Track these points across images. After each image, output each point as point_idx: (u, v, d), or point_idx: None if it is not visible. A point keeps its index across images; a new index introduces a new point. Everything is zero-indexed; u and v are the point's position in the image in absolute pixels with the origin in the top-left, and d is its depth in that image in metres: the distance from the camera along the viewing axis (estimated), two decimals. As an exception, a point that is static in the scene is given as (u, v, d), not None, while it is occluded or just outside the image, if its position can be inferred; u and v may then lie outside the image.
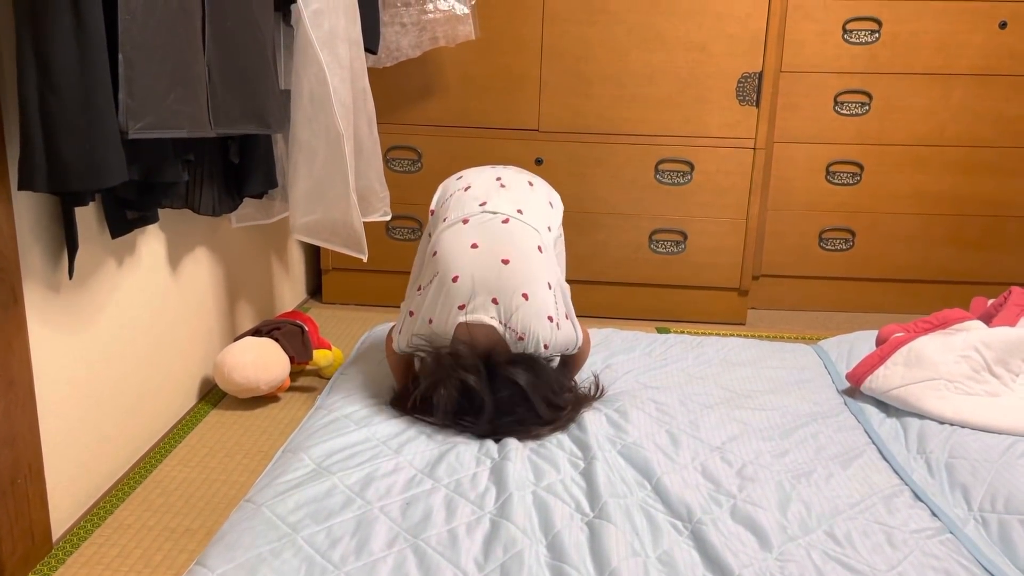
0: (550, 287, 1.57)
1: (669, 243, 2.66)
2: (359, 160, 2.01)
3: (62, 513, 1.45)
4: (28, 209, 1.30)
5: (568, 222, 2.66)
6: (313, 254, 2.85)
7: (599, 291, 2.72)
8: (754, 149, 2.56)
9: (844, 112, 2.69)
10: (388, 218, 2.16)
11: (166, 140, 1.44)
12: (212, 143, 1.75)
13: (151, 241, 1.73)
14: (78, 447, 1.49)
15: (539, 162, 2.61)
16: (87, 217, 1.48)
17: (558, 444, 1.54)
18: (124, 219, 1.52)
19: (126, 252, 1.62)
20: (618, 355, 2.04)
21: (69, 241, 1.36)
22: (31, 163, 1.16)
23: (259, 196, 1.98)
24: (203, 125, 1.43)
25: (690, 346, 2.12)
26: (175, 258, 1.84)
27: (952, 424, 1.64)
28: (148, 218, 1.57)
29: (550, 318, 1.55)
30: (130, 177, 1.40)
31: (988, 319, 1.89)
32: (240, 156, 1.85)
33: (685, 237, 2.65)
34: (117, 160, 1.23)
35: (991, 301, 1.97)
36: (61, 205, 1.35)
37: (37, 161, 1.15)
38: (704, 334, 2.28)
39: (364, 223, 2.02)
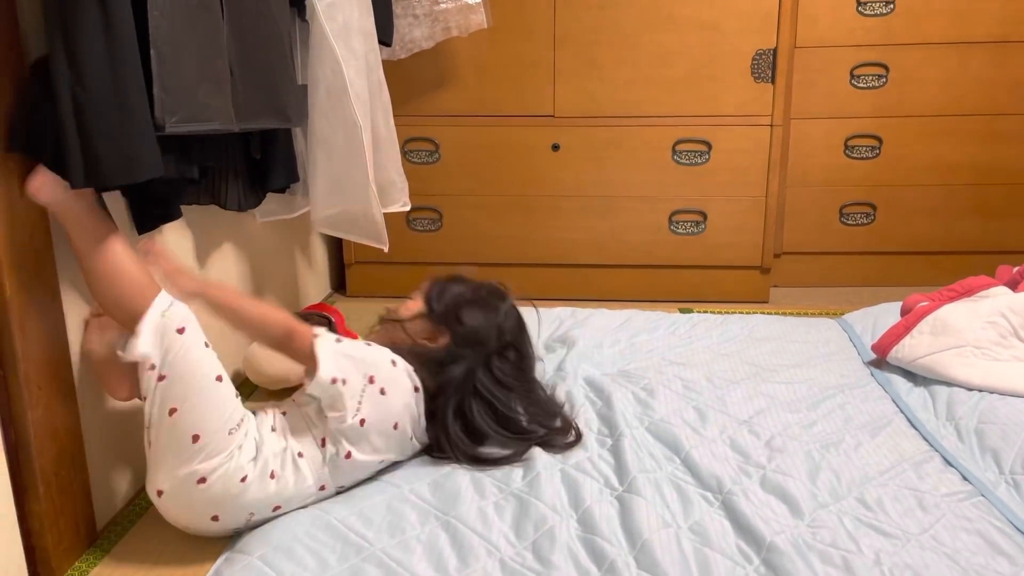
0: None
1: (689, 224, 2.66)
2: (377, 152, 2.03)
3: (105, 505, 1.48)
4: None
5: (587, 207, 2.67)
6: (336, 248, 2.87)
7: (620, 274, 2.73)
8: (771, 126, 2.56)
9: (861, 85, 2.67)
10: (407, 209, 2.18)
11: (191, 137, 1.46)
12: (234, 138, 1.77)
13: (178, 237, 1.76)
14: (117, 439, 1.53)
15: (555, 148, 2.62)
16: (115, 214, 1.50)
17: (585, 423, 1.56)
18: (150, 214, 1.55)
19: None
20: (641, 334, 2.05)
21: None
22: (68, 159, 1.18)
23: (282, 191, 2.01)
24: (229, 119, 1.45)
25: (714, 324, 2.13)
26: (202, 254, 1.87)
27: (980, 390, 1.64)
28: (172, 214, 1.60)
29: None
30: (165, 173, 1.43)
31: (1014, 285, 1.88)
32: (261, 151, 1.88)
33: (705, 217, 2.65)
34: (151, 155, 1.25)
35: (1016, 268, 1.96)
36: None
37: (73, 159, 1.18)
38: (727, 313, 2.28)
39: (384, 214, 2.04)
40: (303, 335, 1.37)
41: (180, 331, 1.27)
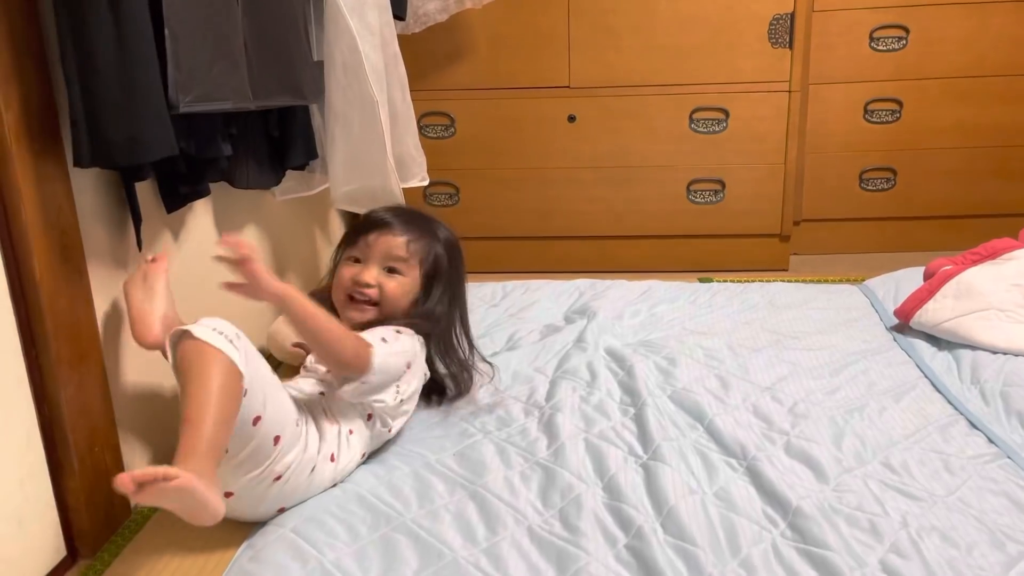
0: None
1: (707, 193, 2.65)
2: (394, 126, 2.03)
3: (136, 481, 1.51)
4: (87, 187, 1.35)
5: (604, 178, 2.66)
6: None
7: (639, 245, 2.72)
8: (789, 92, 2.53)
9: (880, 48, 2.63)
10: (426, 183, 2.18)
11: (214, 114, 1.47)
12: (253, 117, 1.78)
13: (200, 217, 1.77)
14: (148, 417, 1.55)
15: (572, 119, 2.60)
16: (143, 193, 1.52)
17: (608, 393, 1.56)
18: (178, 194, 1.56)
19: (180, 227, 1.67)
20: (661, 304, 2.05)
21: (134, 214, 1.41)
22: (78, 140, 1.20)
23: (300, 168, 2.01)
24: (245, 97, 1.46)
25: (734, 293, 2.12)
26: (224, 232, 1.88)
27: (1005, 353, 1.63)
28: (200, 192, 1.61)
29: None
30: (186, 151, 1.44)
31: (1039, 247, 1.86)
32: (279, 129, 1.89)
33: (723, 186, 2.63)
34: (163, 134, 1.26)
35: (1041, 230, 1.94)
36: (122, 180, 1.39)
37: (83, 138, 1.20)
38: (747, 282, 2.27)
39: (403, 190, 2.04)
40: (365, 357, 1.30)
41: (239, 337, 1.20)
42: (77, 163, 1.22)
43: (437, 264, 1.55)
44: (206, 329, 1.15)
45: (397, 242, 1.51)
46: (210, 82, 1.35)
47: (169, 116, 1.27)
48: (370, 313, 1.49)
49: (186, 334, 1.14)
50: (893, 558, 1.04)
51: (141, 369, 1.54)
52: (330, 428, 1.33)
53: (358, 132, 1.91)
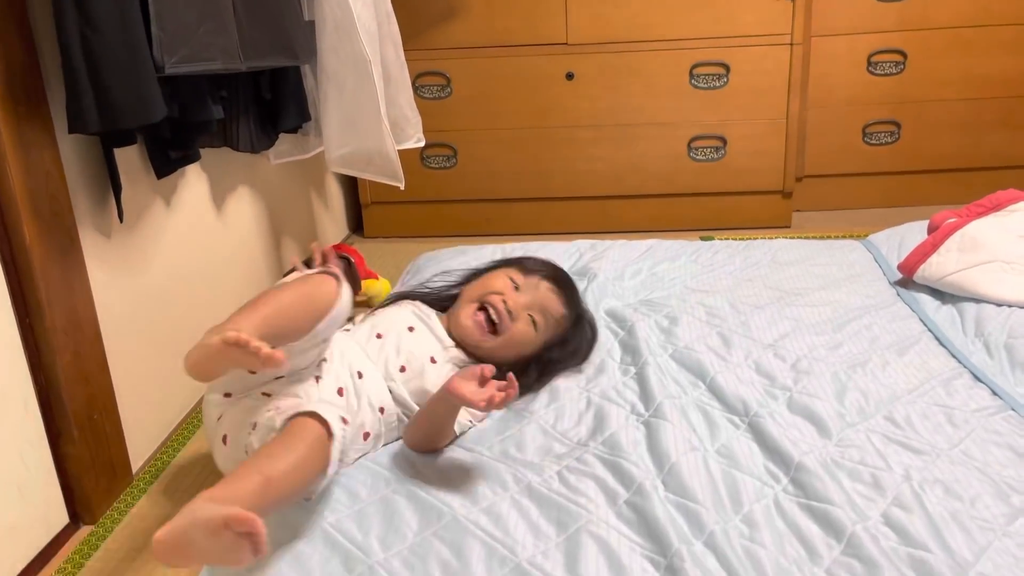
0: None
1: (709, 150, 2.61)
2: (388, 86, 2.00)
3: (139, 447, 1.51)
4: (73, 153, 1.33)
5: (604, 137, 2.62)
6: (352, 189, 2.86)
7: (640, 204, 2.70)
8: (791, 45, 2.48)
9: (884, -2, 2.58)
10: (422, 144, 2.15)
11: (201, 76, 1.44)
12: (244, 79, 1.75)
13: (193, 182, 1.75)
14: (147, 384, 1.55)
15: (570, 76, 2.56)
16: (132, 159, 1.50)
17: (608, 353, 1.55)
18: (168, 159, 1.54)
19: (171, 194, 1.65)
20: (663, 263, 2.03)
21: (114, 182, 1.38)
22: (80, 105, 1.17)
23: (294, 131, 1.99)
24: (235, 58, 1.43)
25: (736, 250, 2.10)
26: (218, 198, 1.86)
27: (1011, 306, 1.61)
28: (191, 156, 1.59)
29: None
30: (169, 114, 1.41)
31: (1044, 198, 1.83)
32: (272, 91, 1.85)
33: (725, 142, 2.60)
34: (158, 95, 1.23)
35: (1047, 180, 1.91)
36: (103, 146, 1.37)
37: (86, 102, 1.16)
38: (749, 239, 2.25)
39: (399, 152, 2.02)
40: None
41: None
42: (79, 130, 1.19)
43: (559, 347, 1.46)
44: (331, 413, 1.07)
45: (558, 306, 1.43)
46: (197, 42, 1.32)
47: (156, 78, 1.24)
48: (488, 340, 1.38)
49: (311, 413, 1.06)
50: (895, 511, 1.04)
51: (139, 336, 1.53)
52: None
53: (351, 93, 1.87)
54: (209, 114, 1.51)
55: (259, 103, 1.85)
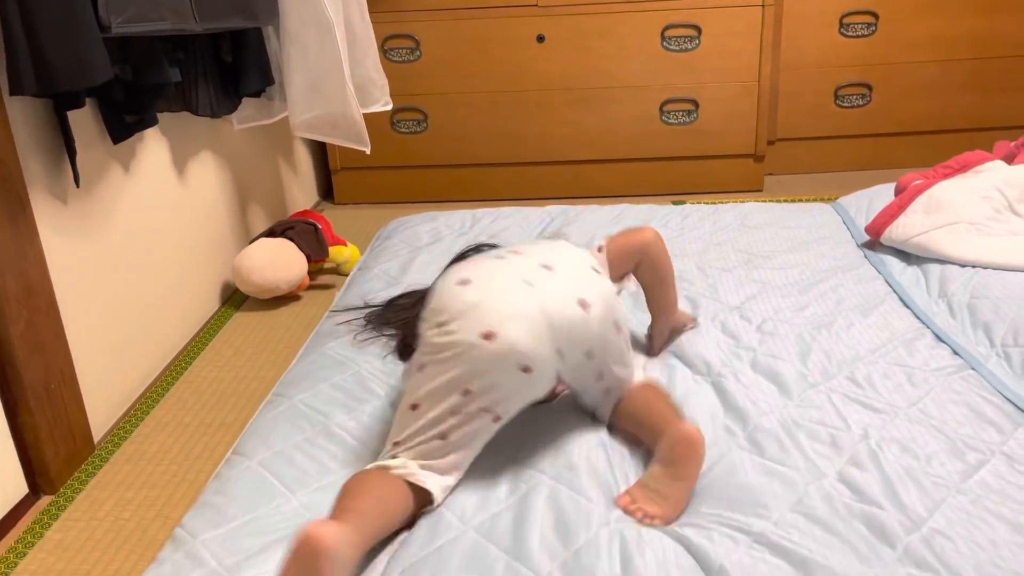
0: None
1: (681, 113, 2.59)
2: (353, 49, 1.96)
3: (100, 416, 1.50)
4: (24, 117, 1.29)
5: (575, 100, 2.59)
6: (321, 155, 2.82)
7: (611, 169, 2.68)
8: (763, 6, 2.46)
9: (857, -42, 2.56)
10: (389, 108, 2.12)
11: (154, 38, 1.40)
12: (203, 41, 1.70)
13: (153, 147, 1.71)
14: (107, 352, 1.52)
15: (540, 39, 2.53)
16: (87, 124, 1.46)
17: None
18: (123, 123, 1.50)
19: (129, 158, 1.62)
20: (633, 227, 2.02)
21: (68, 146, 1.35)
22: (18, 67, 1.14)
23: (257, 95, 1.95)
24: (187, 18, 1.39)
25: (706, 214, 2.09)
26: (180, 163, 1.83)
27: (974, 266, 1.62)
28: (147, 121, 1.56)
29: None
30: (121, 77, 1.37)
31: (1011, 159, 1.84)
32: (233, 54, 1.81)
33: (697, 106, 2.58)
34: (101, 58, 1.20)
35: (1014, 142, 1.91)
36: (55, 109, 1.33)
37: (23, 65, 1.13)
38: (720, 203, 2.24)
39: (365, 115, 1.98)
40: None
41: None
42: (18, 91, 1.16)
43: None
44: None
45: None
46: (144, 2, 1.28)
47: (102, 39, 1.21)
48: None
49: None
50: (851, 469, 1.04)
51: (99, 303, 1.50)
52: None
53: (315, 56, 1.84)
54: (165, 77, 1.48)
55: (220, 66, 1.81)
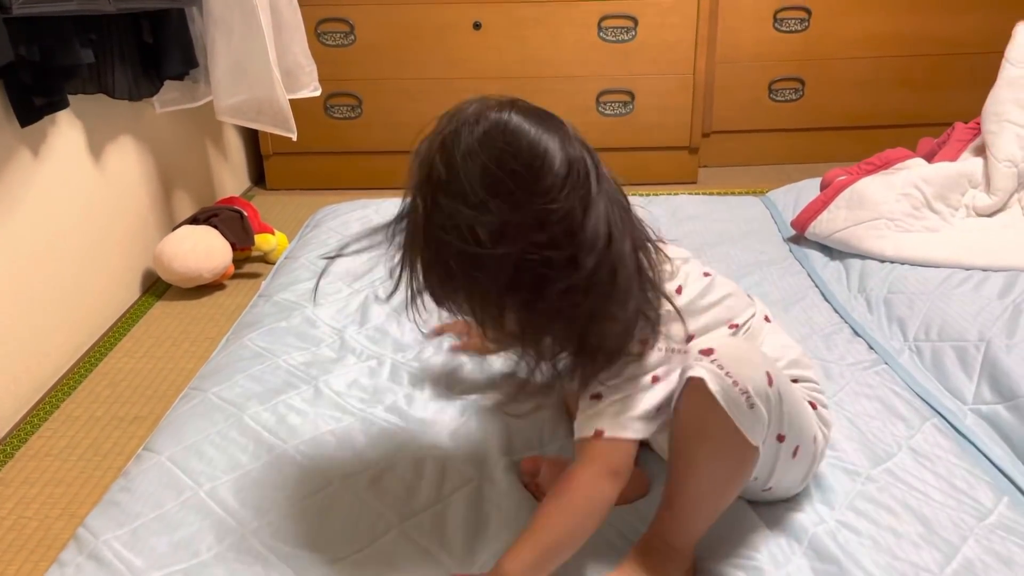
0: None
1: (617, 104, 2.60)
2: (280, 33, 1.91)
3: (6, 410, 1.44)
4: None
5: (511, 89, 2.56)
6: (252, 140, 2.75)
7: (549, 159, 2.67)
8: (699, -1, 2.47)
9: (790, -46, 2.59)
10: (318, 93, 2.08)
11: (64, 17, 1.34)
12: (120, 22, 1.64)
13: (66, 130, 1.65)
14: (14, 344, 1.46)
15: (477, 26, 2.50)
16: (-12, 106, 1.40)
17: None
18: (32, 106, 1.44)
19: (39, 142, 1.55)
20: (565, 219, 2.02)
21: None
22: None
23: (179, 78, 1.89)
24: (97, -2, 1.34)
25: (637, 206, 2.10)
26: (96, 147, 1.76)
27: (893, 262, 1.66)
28: (57, 104, 1.49)
29: None
30: (27, 58, 1.31)
31: (931, 157, 1.88)
32: (154, 35, 1.75)
33: (633, 97, 2.59)
34: (2, 40, 1.14)
35: (937, 140, 1.96)
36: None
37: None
38: (652, 195, 2.25)
39: (293, 100, 1.94)
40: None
41: None
42: None
43: None
44: None
45: None
46: (50, -21, 1.22)
47: (3, 20, 1.15)
48: None
49: None
50: (763, 463, 1.06)
51: (5, 294, 1.44)
52: None
53: (239, 39, 1.79)
54: (76, 58, 1.42)
55: (140, 48, 1.74)
